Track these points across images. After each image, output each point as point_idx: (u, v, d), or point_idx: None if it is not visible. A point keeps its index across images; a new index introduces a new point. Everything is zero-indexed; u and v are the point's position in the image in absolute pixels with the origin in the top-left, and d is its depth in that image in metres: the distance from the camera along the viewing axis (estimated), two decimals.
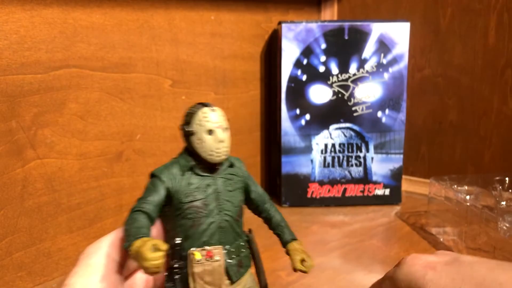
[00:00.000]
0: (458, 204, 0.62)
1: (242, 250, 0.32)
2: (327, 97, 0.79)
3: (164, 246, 0.25)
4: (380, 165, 0.81)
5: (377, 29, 0.77)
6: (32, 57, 0.52)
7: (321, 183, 0.81)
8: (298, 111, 0.79)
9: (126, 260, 0.30)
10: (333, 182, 0.81)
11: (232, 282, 0.30)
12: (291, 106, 0.79)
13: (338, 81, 0.78)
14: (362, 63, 0.78)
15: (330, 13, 0.95)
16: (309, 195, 0.81)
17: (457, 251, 0.61)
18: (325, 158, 0.80)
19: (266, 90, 0.86)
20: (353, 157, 0.81)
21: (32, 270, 0.54)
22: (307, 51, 0.77)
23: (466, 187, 0.64)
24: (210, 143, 0.30)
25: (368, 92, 0.79)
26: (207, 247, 0.29)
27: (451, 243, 0.63)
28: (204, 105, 0.30)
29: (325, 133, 0.80)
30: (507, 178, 0.65)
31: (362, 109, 0.79)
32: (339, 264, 0.59)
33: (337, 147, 0.80)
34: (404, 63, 0.78)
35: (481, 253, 0.58)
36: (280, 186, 0.81)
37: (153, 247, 0.25)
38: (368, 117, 0.79)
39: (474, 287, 0.25)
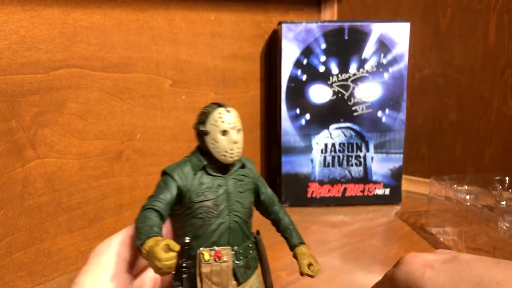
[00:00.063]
0: (458, 204, 0.62)
1: (250, 251, 0.32)
2: (327, 97, 0.79)
3: (177, 247, 0.25)
4: (380, 165, 0.81)
5: (377, 29, 0.77)
6: (32, 57, 0.52)
7: (321, 182, 0.81)
8: (298, 111, 0.79)
9: (136, 259, 0.30)
10: (333, 181, 0.81)
11: (239, 283, 0.30)
12: (291, 106, 0.79)
13: (338, 81, 0.78)
14: (362, 63, 0.78)
15: (330, 13, 0.95)
16: (309, 195, 0.81)
17: (457, 251, 0.61)
18: (325, 157, 0.80)
19: (266, 90, 0.86)
20: (353, 156, 0.81)
21: (32, 270, 0.54)
22: (307, 51, 0.77)
23: (466, 187, 0.64)
24: (224, 144, 0.30)
25: (368, 92, 0.79)
26: (215, 248, 0.29)
27: (451, 243, 0.63)
28: (219, 105, 0.30)
29: (325, 132, 0.80)
30: (507, 178, 0.65)
31: (362, 109, 0.79)
32: (339, 264, 0.59)
33: (337, 147, 0.80)
34: (404, 63, 0.78)
35: (481, 253, 0.58)
36: (280, 185, 0.81)
37: (166, 247, 0.25)
38: (368, 116, 0.79)
39: (472, 285, 0.25)
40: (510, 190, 0.64)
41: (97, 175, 0.60)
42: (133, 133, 0.64)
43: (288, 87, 0.78)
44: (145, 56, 0.64)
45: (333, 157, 0.80)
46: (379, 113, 0.79)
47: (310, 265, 0.32)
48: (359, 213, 0.78)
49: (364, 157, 0.81)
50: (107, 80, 0.60)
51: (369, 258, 0.60)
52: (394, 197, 0.82)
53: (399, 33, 0.77)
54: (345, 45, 0.77)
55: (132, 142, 0.64)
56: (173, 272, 0.29)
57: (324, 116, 0.79)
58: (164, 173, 0.30)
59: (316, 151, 0.80)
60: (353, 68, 0.78)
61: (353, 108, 0.79)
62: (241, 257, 0.31)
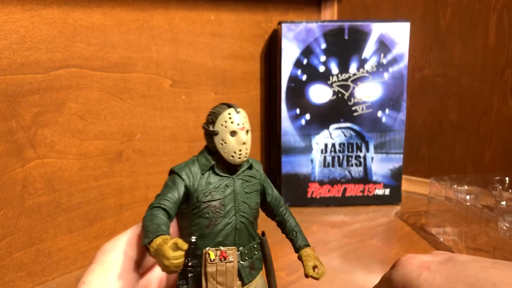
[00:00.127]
0: (458, 204, 0.62)
1: (255, 252, 0.32)
2: (327, 97, 0.79)
3: (185, 246, 0.25)
4: (380, 165, 0.81)
5: (377, 29, 0.77)
6: (32, 57, 0.52)
7: (321, 183, 0.81)
8: (298, 111, 0.79)
9: (143, 258, 0.30)
10: (333, 182, 0.81)
11: (244, 284, 0.31)
12: (291, 106, 0.79)
13: (338, 81, 0.78)
14: (362, 63, 0.78)
15: (330, 13, 0.95)
16: (309, 195, 0.81)
17: (457, 251, 0.61)
18: (325, 158, 0.80)
19: (266, 90, 0.86)
20: (353, 157, 0.81)
21: (32, 270, 0.54)
22: (307, 51, 0.77)
23: (466, 187, 0.64)
24: (233, 145, 0.30)
25: (368, 92, 0.79)
26: (221, 248, 0.29)
27: (451, 243, 0.63)
28: (229, 106, 0.30)
29: (325, 133, 0.80)
30: (507, 178, 0.65)
31: (362, 109, 0.79)
32: (339, 264, 0.59)
33: (337, 147, 0.80)
34: (404, 63, 0.78)
35: (481, 253, 0.58)
36: (280, 186, 0.81)
37: (174, 246, 0.25)
38: (368, 117, 0.79)
39: (468, 286, 0.25)
40: (510, 190, 0.64)
41: (97, 175, 0.60)
42: (133, 133, 0.64)
43: (288, 87, 0.78)
44: (145, 56, 0.64)
45: (333, 157, 0.80)
46: (379, 113, 0.79)
47: (315, 267, 0.32)
48: (359, 213, 0.78)
49: (364, 157, 0.81)
50: (107, 80, 0.60)
51: (369, 258, 0.60)
52: (394, 197, 0.82)
53: (399, 33, 0.77)
54: (345, 45, 0.77)
55: (132, 142, 0.64)
56: (179, 271, 0.29)
57: (324, 116, 0.79)
58: (172, 172, 0.30)
59: (316, 151, 0.80)
60: (353, 68, 0.78)
61: (353, 108, 0.79)
62: (246, 258, 0.31)
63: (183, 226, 0.31)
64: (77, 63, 0.56)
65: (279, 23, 0.78)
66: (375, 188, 0.81)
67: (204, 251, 0.29)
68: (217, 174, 0.30)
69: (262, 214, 0.34)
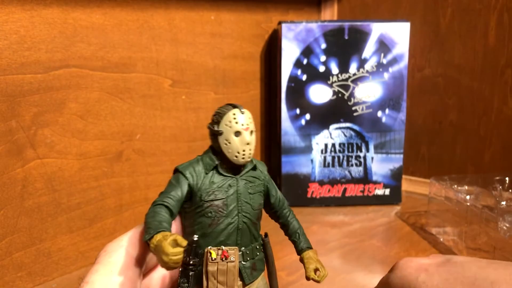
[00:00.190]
0: (458, 204, 0.62)
1: (257, 253, 0.32)
2: (327, 97, 0.79)
3: (184, 242, 0.25)
4: (380, 165, 0.81)
5: (377, 29, 0.77)
6: (32, 57, 0.52)
7: (321, 183, 0.81)
8: (298, 111, 0.79)
9: (146, 258, 0.30)
10: (333, 182, 0.81)
11: (245, 284, 0.31)
12: (291, 106, 0.79)
13: (338, 81, 0.78)
14: (362, 63, 0.78)
15: (330, 13, 0.95)
16: (309, 195, 0.81)
17: (457, 251, 0.61)
18: (325, 158, 0.80)
19: (266, 90, 0.86)
20: (353, 157, 0.81)
21: (32, 270, 0.54)
22: (307, 51, 0.77)
23: (466, 187, 0.64)
24: (237, 145, 0.30)
25: (368, 92, 0.79)
26: (223, 247, 0.29)
27: (451, 243, 0.63)
28: (234, 106, 0.30)
29: (325, 133, 0.80)
30: (507, 178, 0.65)
31: (362, 109, 0.79)
32: (339, 264, 0.59)
33: (337, 147, 0.80)
34: (404, 63, 0.78)
35: (481, 253, 0.58)
36: (280, 186, 0.81)
37: (174, 242, 0.25)
38: (368, 117, 0.79)
39: (467, 286, 0.25)
40: (510, 190, 0.64)
41: (97, 175, 0.60)
42: (133, 133, 0.64)
43: (288, 87, 0.78)
44: (145, 56, 0.64)
45: (333, 157, 0.80)
46: (379, 113, 0.79)
47: (316, 270, 0.32)
48: (359, 213, 0.78)
49: (364, 157, 0.81)
50: (107, 80, 0.60)
51: (369, 258, 0.60)
52: (394, 197, 0.82)
53: (399, 33, 0.77)
54: (345, 45, 0.77)
55: (132, 142, 0.64)
56: (180, 269, 0.30)
57: (324, 116, 0.79)
58: (176, 171, 0.30)
59: (316, 151, 0.80)
60: (353, 68, 0.78)
61: (353, 108, 0.79)
62: (248, 258, 0.31)
63: (186, 225, 0.31)
64: (77, 63, 0.56)
65: (279, 23, 0.78)
66: (375, 188, 0.81)
67: (206, 250, 0.29)
68: (220, 174, 0.30)
69: (264, 214, 0.34)
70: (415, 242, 0.65)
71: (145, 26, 0.64)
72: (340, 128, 0.80)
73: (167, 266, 0.25)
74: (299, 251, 0.33)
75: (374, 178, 0.81)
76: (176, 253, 0.25)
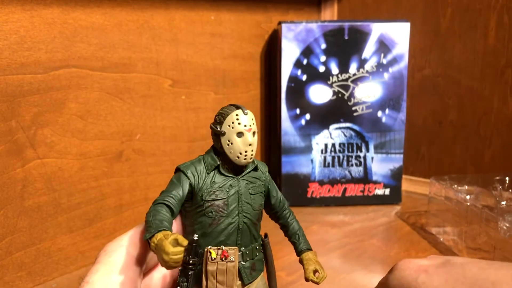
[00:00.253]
0: (458, 204, 0.62)
1: (257, 253, 0.32)
2: (327, 97, 0.79)
3: (185, 242, 0.25)
4: (380, 165, 0.81)
5: (377, 29, 0.77)
6: (32, 57, 0.52)
7: (321, 183, 0.81)
8: (298, 111, 0.79)
9: (146, 257, 0.30)
10: (333, 182, 0.81)
11: (244, 284, 0.31)
12: (291, 106, 0.79)
13: (338, 81, 0.78)
14: (362, 63, 0.78)
15: (330, 13, 0.95)
16: (309, 195, 0.81)
17: (457, 251, 0.61)
18: (325, 158, 0.80)
19: (266, 90, 0.86)
20: (353, 157, 0.81)
21: (32, 270, 0.54)
22: (307, 51, 0.77)
23: (466, 187, 0.64)
24: (239, 146, 0.30)
25: (368, 92, 0.79)
26: (223, 247, 0.30)
27: (451, 243, 0.63)
28: (237, 107, 0.31)
29: (325, 133, 0.80)
30: (507, 178, 0.65)
31: (362, 109, 0.79)
32: (339, 264, 0.59)
33: (337, 147, 0.80)
34: (404, 63, 0.78)
35: (481, 253, 0.58)
36: (280, 186, 0.81)
37: (174, 241, 0.25)
38: (368, 117, 0.79)
39: (467, 287, 0.25)
40: (510, 190, 0.64)
41: (97, 175, 0.60)
42: (133, 133, 0.64)
43: (288, 87, 0.78)
44: (145, 56, 0.64)
45: (333, 157, 0.80)
46: (379, 113, 0.79)
47: (315, 271, 0.32)
48: (359, 213, 0.78)
49: (364, 157, 0.81)
50: (107, 80, 0.60)
51: (369, 258, 0.60)
52: (394, 197, 0.82)
53: (399, 33, 0.77)
54: (345, 45, 0.77)
55: (132, 142, 0.64)
56: (180, 269, 0.30)
57: (324, 116, 0.79)
58: (178, 170, 0.31)
59: (316, 151, 0.80)
60: (353, 68, 0.78)
61: (353, 108, 0.79)
62: (248, 258, 0.31)
63: (187, 224, 0.31)
64: (77, 63, 0.56)
65: (279, 23, 0.78)
66: (375, 188, 0.81)
67: (205, 249, 0.29)
68: (222, 174, 0.31)
69: (264, 215, 0.35)
70: (415, 242, 0.65)
71: (145, 26, 0.64)
72: (340, 128, 0.80)
73: (167, 265, 0.25)
74: (299, 253, 0.34)
75: (374, 178, 0.81)
76: (176, 252, 0.25)
